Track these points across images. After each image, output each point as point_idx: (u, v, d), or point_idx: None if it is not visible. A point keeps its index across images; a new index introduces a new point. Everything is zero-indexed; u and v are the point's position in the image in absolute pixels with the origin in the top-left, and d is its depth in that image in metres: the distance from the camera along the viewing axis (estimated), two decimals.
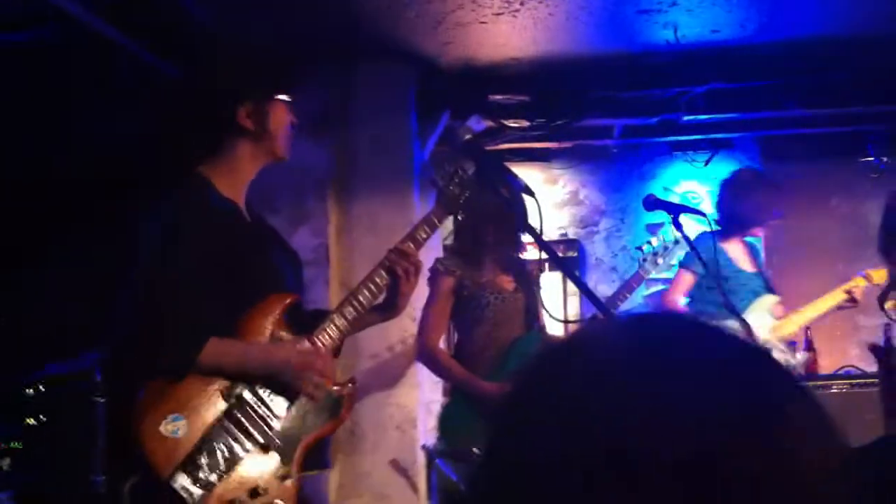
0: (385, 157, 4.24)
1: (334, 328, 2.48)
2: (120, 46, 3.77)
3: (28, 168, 4.18)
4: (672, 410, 0.63)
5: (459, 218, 3.58)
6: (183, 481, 2.18)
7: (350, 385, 2.50)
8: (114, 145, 4.26)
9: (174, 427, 2.20)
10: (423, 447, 4.19)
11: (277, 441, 2.33)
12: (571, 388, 0.68)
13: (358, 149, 4.26)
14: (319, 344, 2.44)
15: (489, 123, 4.93)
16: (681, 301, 4.27)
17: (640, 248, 3.86)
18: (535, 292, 3.74)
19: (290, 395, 2.36)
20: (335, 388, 2.46)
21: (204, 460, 2.22)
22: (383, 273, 2.58)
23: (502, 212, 3.35)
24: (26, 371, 3.67)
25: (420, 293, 4.19)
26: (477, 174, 2.71)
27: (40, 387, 3.73)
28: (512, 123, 4.92)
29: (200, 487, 2.20)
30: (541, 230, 2.59)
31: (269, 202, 4.14)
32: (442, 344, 3.66)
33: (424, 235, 2.67)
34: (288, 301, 2.44)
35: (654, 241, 3.84)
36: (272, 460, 2.32)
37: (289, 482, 2.32)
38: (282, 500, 2.29)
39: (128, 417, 2.23)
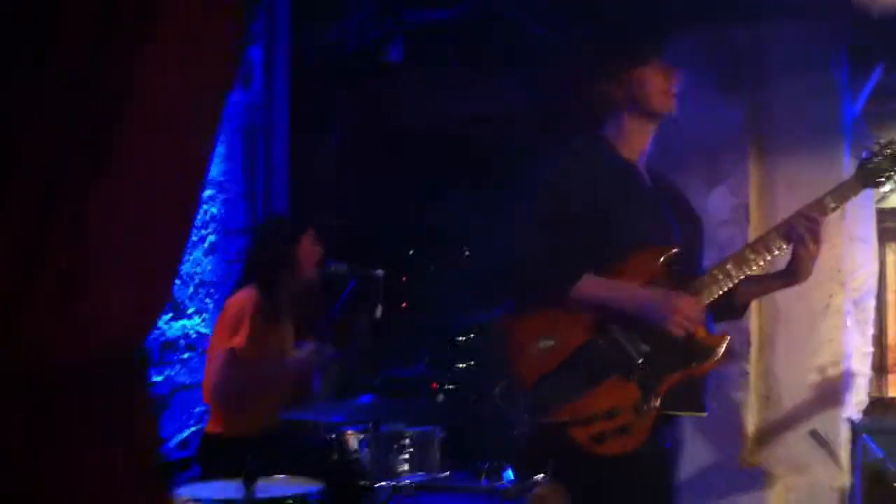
0: (809, 113, 3.98)
1: (713, 284, 2.53)
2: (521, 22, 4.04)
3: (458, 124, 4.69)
4: None
5: None
6: (546, 391, 2.43)
7: (722, 336, 2.52)
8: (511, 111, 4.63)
9: (544, 345, 2.46)
10: (849, 420, 3.93)
11: (638, 374, 2.45)
12: None
13: (777, 105, 4.05)
14: (692, 294, 2.51)
15: None
16: None
17: None
18: None
19: (656, 335, 2.45)
20: (703, 335, 2.49)
21: (567, 377, 2.44)
22: (777, 236, 2.59)
23: None
24: (459, 318, 4.04)
25: (846, 257, 3.91)
26: None
27: (471, 335, 4.08)
28: None
29: (560, 399, 2.42)
30: None
31: (683, 162, 4.09)
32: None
33: (834, 205, 2.63)
34: (667, 252, 2.54)
35: None
36: (631, 390, 2.44)
37: (645, 414, 2.43)
38: (635, 428, 2.42)
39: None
